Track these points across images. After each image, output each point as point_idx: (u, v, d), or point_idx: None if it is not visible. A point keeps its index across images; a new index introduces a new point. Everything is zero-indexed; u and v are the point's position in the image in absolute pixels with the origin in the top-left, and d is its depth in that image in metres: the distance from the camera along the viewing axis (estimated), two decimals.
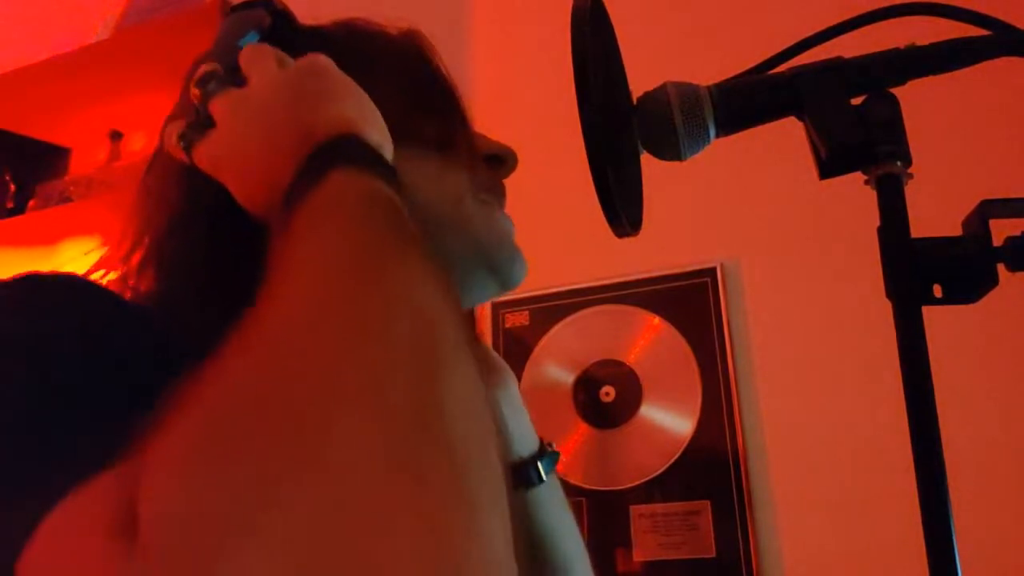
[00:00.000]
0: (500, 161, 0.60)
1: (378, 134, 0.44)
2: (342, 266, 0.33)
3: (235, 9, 0.56)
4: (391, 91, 0.50)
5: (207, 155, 0.47)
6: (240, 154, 0.46)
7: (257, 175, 0.45)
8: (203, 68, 0.50)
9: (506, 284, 0.61)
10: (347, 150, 0.41)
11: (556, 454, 0.68)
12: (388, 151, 0.45)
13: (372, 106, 0.46)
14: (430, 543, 0.26)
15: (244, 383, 0.29)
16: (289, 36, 0.54)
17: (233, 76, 0.49)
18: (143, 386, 0.34)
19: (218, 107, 0.48)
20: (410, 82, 0.51)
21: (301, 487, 0.25)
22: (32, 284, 0.40)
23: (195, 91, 0.49)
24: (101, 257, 0.55)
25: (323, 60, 0.47)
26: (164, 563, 0.25)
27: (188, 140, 0.48)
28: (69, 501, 0.29)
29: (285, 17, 0.55)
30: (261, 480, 0.25)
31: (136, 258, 0.54)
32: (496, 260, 0.60)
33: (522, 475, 0.65)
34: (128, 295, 0.52)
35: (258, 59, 0.49)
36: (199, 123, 0.48)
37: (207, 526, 0.25)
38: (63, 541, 0.28)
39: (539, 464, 0.66)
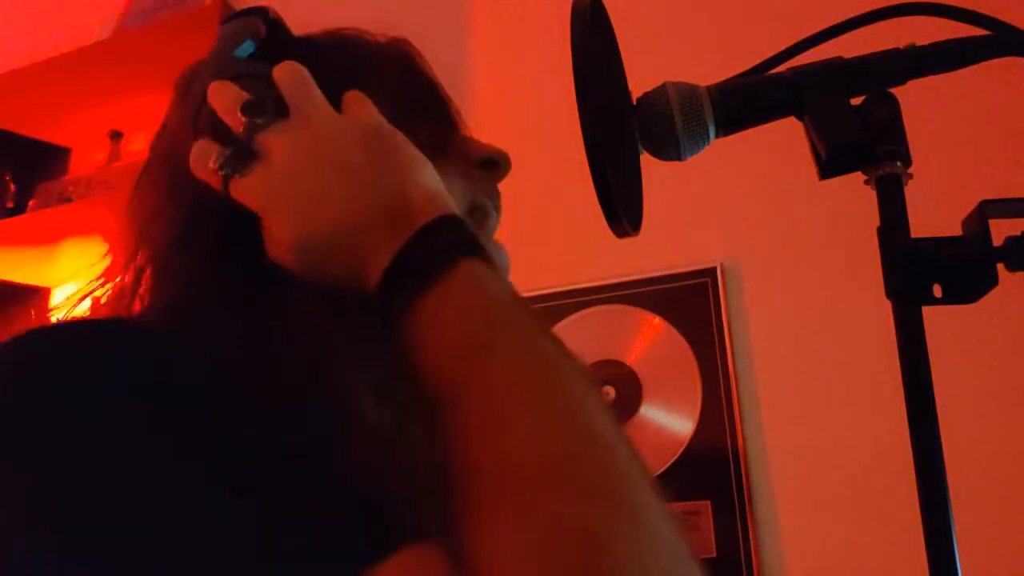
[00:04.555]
0: (494, 165, 0.60)
1: (456, 208, 0.47)
2: (549, 398, 0.39)
3: (228, 20, 0.55)
4: (381, 98, 0.50)
5: (257, 191, 0.46)
6: (306, 201, 0.45)
7: (326, 223, 0.45)
8: (243, 95, 0.48)
9: None
10: (464, 234, 0.44)
11: None
12: None
13: (437, 176, 0.49)
14: None
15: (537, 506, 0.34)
16: (282, 45, 0.54)
17: (270, 103, 0.48)
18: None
19: (276, 142, 0.46)
20: (400, 89, 0.51)
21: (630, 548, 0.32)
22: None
23: (241, 119, 0.47)
24: (100, 272, 0.54)
25: (379, 117, 0.49)
26: None
27: (231, 170, 0.46)
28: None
29: (278, 26, 0.55)
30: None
31: (132, 273, 0.52)
32: None
33: None
34: (124, 311, 0.51)
35: (306, 88, 0.48)
36: (244, 153, 0.47)
37: None
38: None
39: None
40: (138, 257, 0.53)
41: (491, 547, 0.33)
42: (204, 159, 0.47)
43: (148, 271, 0.52)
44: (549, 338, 0.41)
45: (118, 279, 0.53)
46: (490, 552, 0.33)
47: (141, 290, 0.52)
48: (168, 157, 0.54)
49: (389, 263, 0.43)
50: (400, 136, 0.48)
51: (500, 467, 0.36)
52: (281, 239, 0.46)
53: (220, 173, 0.46)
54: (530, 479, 0.35)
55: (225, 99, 0.48)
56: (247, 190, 0.46)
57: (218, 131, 0.48)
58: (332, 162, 0.46)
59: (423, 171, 0.47)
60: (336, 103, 0.49)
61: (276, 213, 0.46)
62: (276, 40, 0.54)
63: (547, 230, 1.58)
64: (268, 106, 0.47)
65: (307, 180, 0.45)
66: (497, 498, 0.35)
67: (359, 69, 0.51)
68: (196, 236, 0.51)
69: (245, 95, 0.48)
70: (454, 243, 0.44)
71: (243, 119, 0.47)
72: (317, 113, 0.48)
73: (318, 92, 0.48)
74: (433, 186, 0.47)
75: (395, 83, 0.51)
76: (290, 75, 0.49)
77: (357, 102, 0.49)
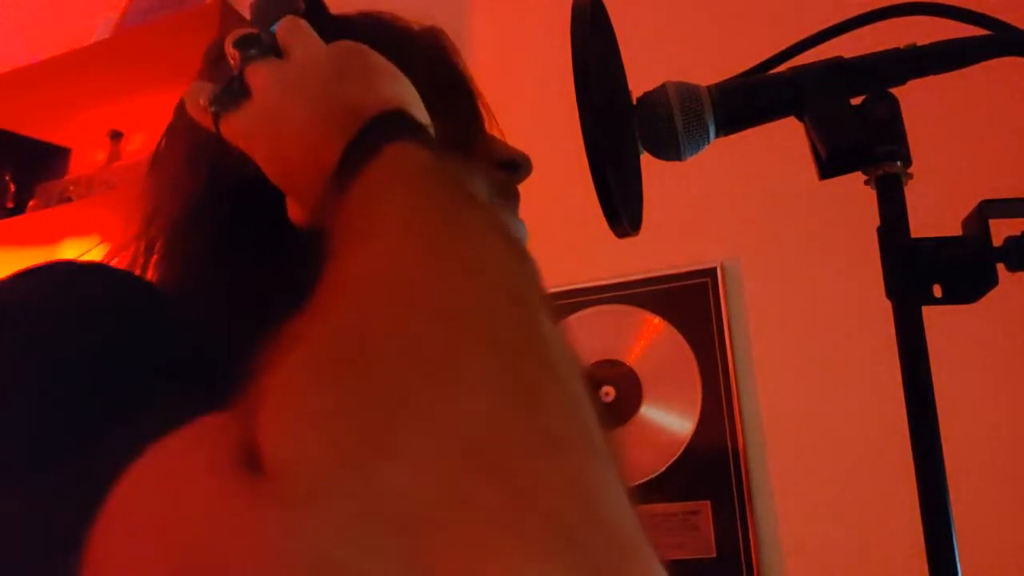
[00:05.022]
0: (515, 167, 0.60)
1: (424, 117, 0.44)
2: (424, 226, 0.34)
3: None
4: (414, 87, 0.50)
5: (240, 127, 0.45)
6: (278, 128, 0.44)
7: (297, 150, 0.43)
8: (243, 31, 0.47)
9: None
10: (402, 125, 0.41)
11: None
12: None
13: (415, 91, 0.46)
14: (560, 461, 0.26)
15: (355, 321, 0.29)
16: (319, 22, 0.54)
17: (265, 38, 0.47)
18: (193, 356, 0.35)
19: (257, 76, 0.46)
20: (432, 80, 0.50)
21: (436, 406, 0.26)
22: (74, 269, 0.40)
23: (233, 52, 0.46)
24: (112, 246, 0.53)
25: (362, 45, 0.47)
26: (304, 488, 0.25)
27: (220, 107, 0.45)
28: (159, 447, 0.28)
29: (317, 4, 0.54)
30: (396, 403, 0.26)
31: (145, 244, 0.52)
32: None
33: None
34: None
35: (299, 32, 0.48)
36: (233, 90, 0.45)
37: (346, 450, 0.25)
38: (162, 483, 0.28)
39: None
40: (152, 228, 0.52)
41: (279, 367, 0.29)
42: (197, 95, 0.46)
43: (160, 242, 0.52)
44: (457, 193, 0.36)
45: (131, 249, 0.53)
46: (276, 374, 0.29)
47: (153, 260, 0.51)
48: (188, 131, 0.53)
49: (334, 166, 0.41)
50: (371, 53, 0.47)
51: (325, 292, 0.32)
52: (268, 175, 0.45)
53: (210, 110, 0.46)
54: (344, 295, 0.31)
55: (230, 38, 0.48)
56: (232, 127, 0.45)
57: (218, 76, 0.47)
58: (300, 86, 0.45)
59: (386, 79, 0.45)
60: None
61: (256, 146, 0.45)
62: (313, 17, 0.53)
63: (547, 230, 1.58)
64: (260, 40, 0.47)
65: (277, 107, 0.44)
66: (309, 320, 0.31)
67: (391, 53, 0.50)
68: (210, 210, 0.50)
69: (249, 31, 0.47)
70: (390, 130, 0.40)
71: (235, 51, 0.46)
72: (300, 47, 0.47)
73: (310, 33, 0.48)
74: (393, 91, 0.44)
75: (425, 72, 0.50)
76: (287, 24, 0.48)
77: (342, 42, 0.48)
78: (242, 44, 0.46)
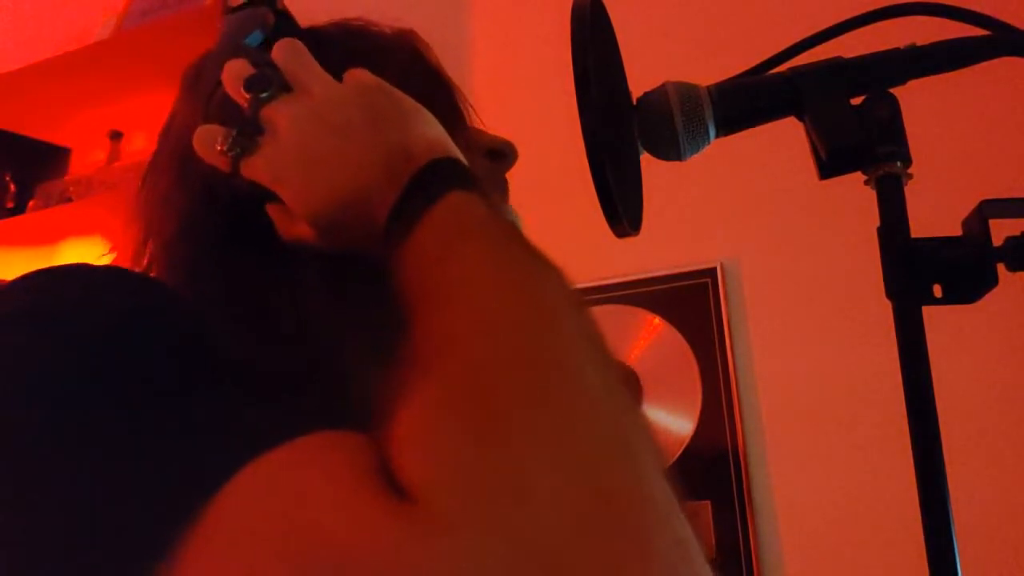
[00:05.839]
0: (500, 155, 0.60)
1: (460, 155, 0.47)
2: (510, 283, 0.37)
3: (235, 9, 0.55)
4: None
5: (266, 167, 0.46)
6: (314, 169, 0.45)
7: (335, 189, 0.45)
8: (247, 69, 0.48)
9: None
10: (455, 172, 0.44)
11: None
12: None
13: (443, 128, 0.49)
14: (658, 508, 0.31)
15: (474, 370, 0.32)
16: (290, 36, 0.54)
17: (274, 76, 0.47)
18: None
19: (280, 115, 0.46)
20: (408, 80, 0.51)
21: (561, 452, 0.30)
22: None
23: (245, 95, 0.47)
24: (110, 260, 0.54)
25: (381, 81, 0.49)
26: (451, 516, 0.27)
27: (240, 150, 0.46)
28: (264, 460, 0.30)
29: (287, 16, 0.55)
30: (526, 447, 0.29)
31: (143, 264, 0.53)
32: None
33: None
34: None
35: (305, 61, 0.48)
36: (250, 132, 0.46)
37: (489, 487, 0.28)
38: (278, 492, 0.30)
39: None
40: (147, 247, 0.53)
41: (402, 413, 0.32)
42: (211, 142, 0.47)
43: (157, 261, 0.52)
44: (521, 246, 0.40)
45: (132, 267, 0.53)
46: (400, 418, 0.32)
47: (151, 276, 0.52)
48: (177, 148, 0.54)
49: (391, 210, 0.43)
50: (395, 91, 0.48)
51: (430, 345, 0.35)
52: (296, 211, 0.46)
53: (229, 155, 0.46)
54: (453, 350, 0.34)
55: (233, 76, 0.48)
56: (256, 167, 0.46)
57: (227, 117, 0.48)
58: (334, 126, 0.46)
59: (422, 121, 0.47)
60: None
61: (286, 185, 0.46)
62: (284, 31, 0.53)
63: (547, 230, 1.58)
64: (272, 81, 0.47)
65: (311, 148, 0.46)
66: (421, 371, 0.34)
67: (365, 59, 0.51)
68: (205, 225, 0.51)
69: (251, 69, 0.48)
70: (445, 178, 0.43)
71: (247, 95, 0.47)
72: (316, 81, 0.48)
73: (315, 63, 0.49)
74: (431, 133, 0.47)
75: (400, 73, 0.51)
76: (287, 50, 0.49)
77: (356, 72, 0.49)
78: (254, 86, 0.47)
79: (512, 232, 0.41)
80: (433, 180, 0.43)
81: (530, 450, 0.29)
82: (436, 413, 0.31)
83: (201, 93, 0.52)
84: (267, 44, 0.51)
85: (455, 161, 0.45)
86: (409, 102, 0.48)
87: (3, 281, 0.40)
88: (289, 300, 0.48)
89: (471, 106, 0.61)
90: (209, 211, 0.51)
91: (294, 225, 0.48)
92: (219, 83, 0.49)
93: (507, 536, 0.27)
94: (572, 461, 0.29)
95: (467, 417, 0.31)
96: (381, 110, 0.47)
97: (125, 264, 0.53)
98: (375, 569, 0.27)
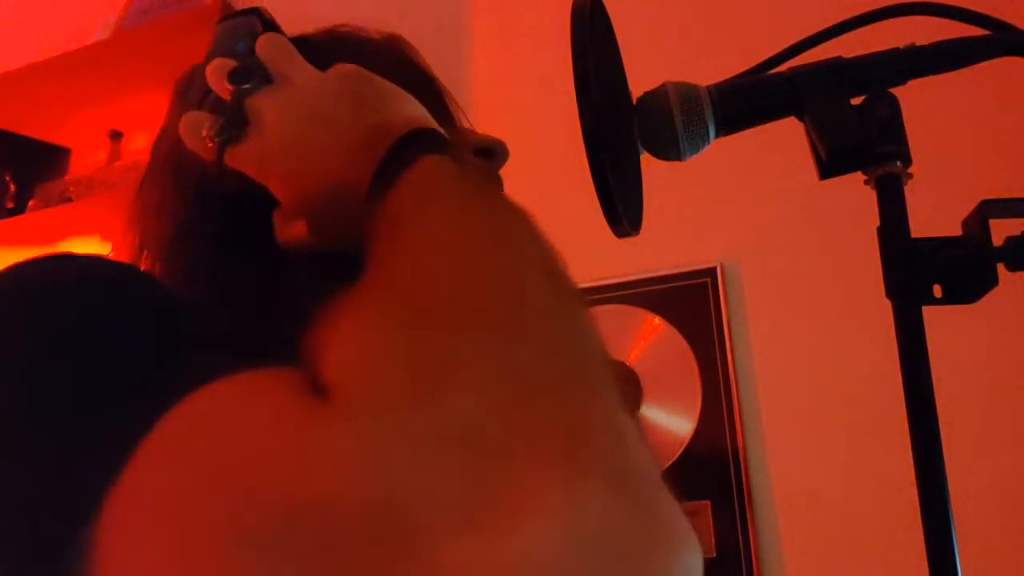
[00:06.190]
0: (490, 154, 0.60)
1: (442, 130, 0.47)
2: (472, 214, 0.37)
3: (224, 19, 0.55)
4: None
5: (251, 155, 0.46)
6: (300, 155, 0.46)
7: (321, 175, 0.45)
8: (229, 63, 0.48)
9: None
10: (431, 139, 0.44)
11: None
12: None
13: (425, 109, 0.49)
14: (601, 407, 0.30)
15: (420, 281, 0.33)
16: None
17: (256, 68, 0.48)
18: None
19: (264, 106, 0.47)
20: (395, 82, 0.52)
21: (497, 351, 0.29)
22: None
23: (228, 87, 0.47)
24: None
25: (362, 69, 0.49)
26: (371, 403, 0.27)
27: (226, 138, 0.46)
28: (202, 392, 0.31)
29: (274, 26, 0.56)
30: (459, 345, 0.29)
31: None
32: None
33: None
34: None
35: (287, 54, 0.49)
36: (237, 121, 0.46)
37: (414, 376, 0.28)
38: (212, 417, 0.30)
39: None
40: (143, 254, 0.53)
41: (338, 328, 0.32)
42: (196, 129, 0.47)
43: (154, 268, 0.52)
44: (491, 199, 0.40)
45: None
46: (335, 332, 0.32)
47: None
48: (169, 156, 0.54)
49: (370, 182, 0.43)
50: (377, 77, 0.49)
51: (376, 279, 0.35)
52: (283, 200, 0.47)
53: (215, 142, 0.46)
54: (399, 277, 0.34)
55: (215, 71, 0.49)
56: (242, 157, 0.46)
57: (213, 106, 0.48)
58: (316, 113, 0.46)
59: (401, 101, 0.48)
60: None
61: (272, 174, 0.46)
62: None
63: (547, 230, 1.58)
64: (254, 72, 0.48)
65: (296, 136, 0.46)
66: (361, 296, 0.33)
67: (352, 64, 0.51)
68: (200, 230, 0.51)
69: (232, 63, 0.48)
70: (419, 145, 0.43)
71: (230, 86, 0.47)
72: (298, 72, 0.48)
73: (297, 54, 0.49)
74: (413, 112, 0.47)
75: (390, 77, 0.51)
76: (269, 44, 0.49)
77: (339, 66, 0.50)
78: (237, 78, 0.47)
79: (481, 186, 0.41)
80: (408, 147, 0.43)
81: (456, 345, 0.29)
82: (364, 316, 0.32)
83: (191, 101, 0.53)
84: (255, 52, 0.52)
85: (432, 130, 0.45)
86: (389, 86, 0.48)
87: None
88: (287, 303, 0.48)
89: (461, 109, 0.62)
90: (203, 216, 0.51)
91: (289, 227, 0.48)
92: (209, 89, 0.50)
93: (432, 418, 0.26)
94: (499, 360, 0.29)
95: (392, 316, 0.31)
96: (362, 94, 0.47)
97: None
98: (275, 459, 0.27)
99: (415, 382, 0.28)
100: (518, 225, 0.38)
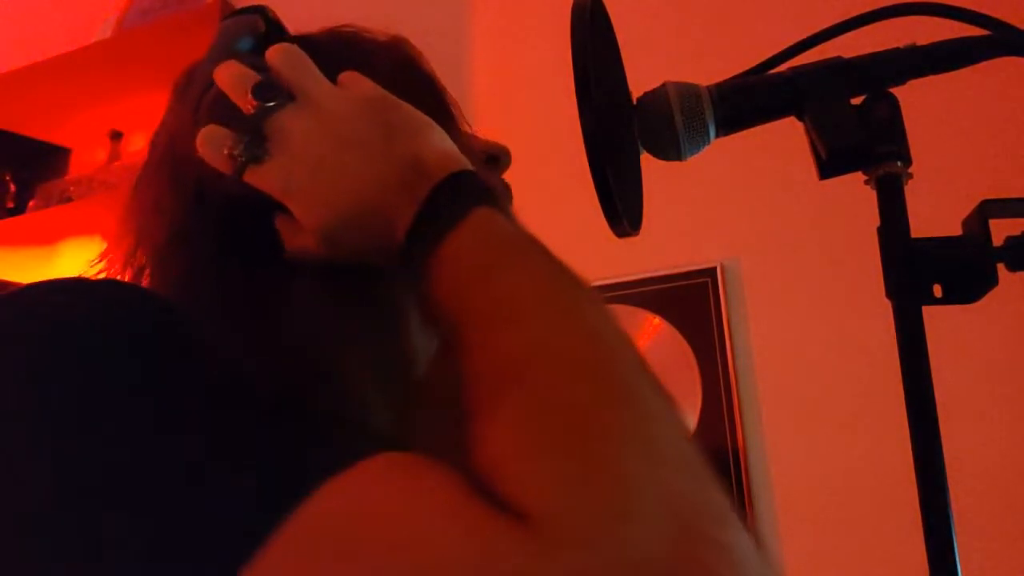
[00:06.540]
0: (494, 160, 0.60)
1: (468, 164, 0.48)
2: (558, 307, 0.40)
3: (227, 17, 0.55)
4: None
5: (276, 176, 0.46)
6: (328, 183, 0.45)
7: (350, 203, 0.45)
8: (252, 75, 0.47)
9: None
10: (476, 186, 0.45)
11: None
12: None
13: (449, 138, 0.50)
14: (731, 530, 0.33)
15: (554, 397, 0.35)
16: (281, 42, 0.54)
17: (281, 86, 0.47)
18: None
19: (291, 126, 0.46)
20: (400, 87, 0.51)
21: (651, 477, 0.33)
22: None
23: (252, 101, 0.46)
24: (104, 271, 0.53)
25: (388, 93, 0.49)
26: (570, 535, 0.30)
27: (249, 157, 0.45)
28: (343, 478, 0.32)
29: (277, 24, 0.55)
30: (619, 473, 0.32)
31: (133, 270, 0.52)
32: None
33: None
34: None
35: (304, 68, 0.48)
36: (260, 140, 0.46)
37: (598, 509, 0.31)
38: (370, 503, 0.32)
39: None
40: (138, 255, 0.52)
41: (488, 435, 0.34)
42: (217, 145, 0.46)
43: (148, 269, 0.51)
44: (556, 263, 0.43)
45: (122, 274, 0.52)
46: (487, 440, 0.34)
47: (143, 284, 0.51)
48: (167, 155, 0.53)
49: (410, 224, 0.44)
50: (404, 104, 0.49)
51: (499, 367, 0.37)
52: (306, 223, 0.46)
53: (238, 160, 0.45)
54: (525, 372, 0.36)
55: (234, 79, 0.47)
56: (266, 177, 0.46)
57: (220, 118, 0.47)
58: (347, 140, 0.46)
59: (432, 134, 0.48)
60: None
61: (298, 198, 0.46)
62: (274, 38, 0.53)
63: (547, 230, 1.58)
64: (280, 91, 0.47)
65: (324, 162, 0.46)
66: (495, 395, 0.36)
67: (355, 67, 0.51)
68: (197, 231, 0.50)
69: (255, 75, 0.47)
70: (468, 194, 0.45)
71: (255, 102, 0.46)
72: (322, 93, 0.47)
73: (314, 68, 0.48)
74: (444, 146, 0.48)
75: (390, 80, 0.51)
76: (286, 56, 0.48)
77: (354, 79, 0.49)
78: (262, 94, 0.47)
79: (542, 248, 0.43)
80: (455, 196, 0.44)
81: (626, 469, 0.32)
82: (527, 434, 0.34)
83: (191, 98, 0.52)
84: (257, 50, 0.51)
85: (472, 174, 0.46)
86: (416, 114, 0.49)
87: (5, 281, 0.39)
88: (287, 310, 0.48)
89: (463, 112, 0.61)
90: (201, 218, 0.50)
91: (298, 236, 0.47)
92: (209, 85, 0.49)
93: (619, 549, 0.29)
94: (662, 480, 0.32)
95: (562, 438, 0.33)
96: (392, 124, 0.47)
97: (115, 272, 0.52)
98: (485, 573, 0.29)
99: (601, 514, 0.31)
100: (590, 294, 0.41)
